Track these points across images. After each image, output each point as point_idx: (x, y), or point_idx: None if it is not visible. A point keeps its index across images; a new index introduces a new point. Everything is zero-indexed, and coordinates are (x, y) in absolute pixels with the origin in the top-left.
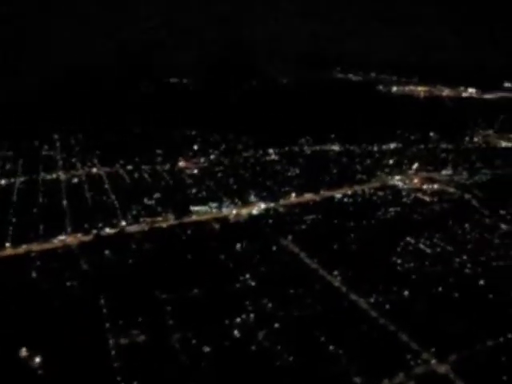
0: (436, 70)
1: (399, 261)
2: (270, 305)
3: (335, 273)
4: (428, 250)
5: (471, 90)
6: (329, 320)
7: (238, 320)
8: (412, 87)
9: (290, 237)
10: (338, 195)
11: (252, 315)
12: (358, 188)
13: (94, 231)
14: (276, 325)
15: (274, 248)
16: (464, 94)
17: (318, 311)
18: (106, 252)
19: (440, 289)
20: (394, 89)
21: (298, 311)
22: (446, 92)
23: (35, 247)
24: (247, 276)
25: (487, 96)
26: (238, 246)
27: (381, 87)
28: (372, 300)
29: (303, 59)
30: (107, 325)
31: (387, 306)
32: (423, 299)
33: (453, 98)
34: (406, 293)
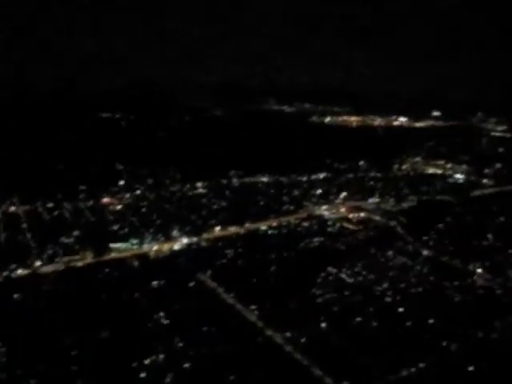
0: (369, 100)
1: (319, 292)
2: (180, 344)
3: (252, 307)
4: (349, 280)
5: (402, 119)
6: (241, 358)
7: (147, 362)
8: (345, 117)
9: (208, 272)
10: (263, 227)
11: (161, 356)
12: (283, 219)
13: (5, 273)
14: (186, 365)
15: (192, 284)
16: (395, 123)
17: (230, 349)
18: (15, 295)
19: (358, 319)
20: (328, 119)
21: (210, 349)
22: (378, 121)
23: None
24: (161, 314)
25: (417, 124)
26: (155, 283)
27: (314, 118)
28: (288, 334)
29: (236, 91)
30: (3, 375)
31: (303, 340)
32: (340, 331)
33: (384, 127)
34: (324, 325)
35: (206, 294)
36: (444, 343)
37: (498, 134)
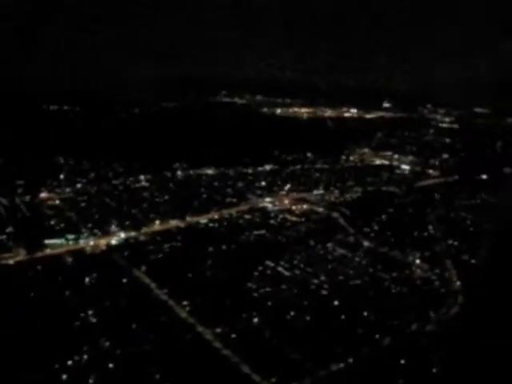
0: (320, 92)
1: (254, 286)
2: (107, 343)
3: (184, 303)
4: (286, 273)
5: (353, 111)
6: (167, 356)
7: (70, 363)
8: (296, 109)
9: (143, 267)
10: (204, 220)
11: (85, 356)
12: (225, 212)
13: None
14: (110, 365)
15: (125, 280)
16: (346, 115)
17: (157, 347)
18: None
19: (292, 313)
20: (278, 111)
21: (136, 348)
22: (329, 113)
23: None
24: (89, 312)
25: (367, 116)
26: (87, 280)
27: (265, 110)
28: (218, 330)
29: (189, 84)
30: None
31: (233, 336)
32: (273, 326)
33: (335, 118)
34: (256, 320)
35: (138, 290)
36: (377, 336)
37: (445, 125)
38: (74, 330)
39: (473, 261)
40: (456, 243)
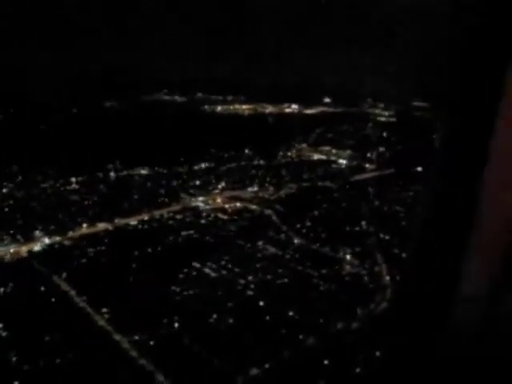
0: (261, 89)
1: (178, 289)
2: (14, 358)
3: (103, 310)
4: (213, 274)
5: (294, 106)
6: (80, 367)
7: None
8: (237, 106)
9: (64, 274)
10: (133, 222)
11: None
12: (156, 213)
13: None
14: (16, 382)
15: (43, 288)
16: (287, 110)
17: (70, 358)
18: None
19: (214, 316)
20: (219, 108)
21: (47, 361)
22: (270, 109)
23: None
24: None
25: (308, 111)
26: (2, 290)
27: (205, 107)
28: (136, 338)
29: (124, 82)
30: None
31: (151, 343)
32: (193, 330)
33: (275, 114)
34: (177, 325)
35: (55, 298)
36: (301, 336)
37: (383, 119)
38: None
39: (403, 254)
40: (388, 237)
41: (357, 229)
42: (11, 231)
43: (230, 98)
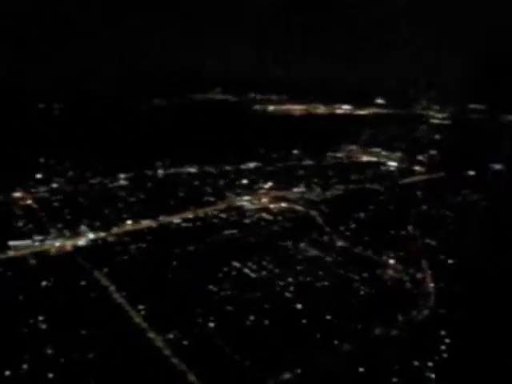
0: (314, 90)
1: (216, 289)
2: (50, 351)
3: (140, 307)
4: (252, 275)
5: (346, 107)
6: (112, 363)
7: (7, 373)
8: (289, 106)
9: (105, 269)
10: (177, 220)
11: (25, 366)
12: (200, 211)
13: None
14: (50, 375)
15: (83, 283)
16: (338, 111)
17: (104, 353)
18: None
19: (251, 317)
20: (271, 108)
21: (81, 354)
22: (322, 109)
23: None
24: (39, 318)
25: (360, 112)
26: (44, 283)
27: (257, 107)
28: (170, 336)
29: (183, 81)
30: None
31: (185, 342)
32: (227, 330)
33: (327, 115)
34: (212, 325)
35: (95, 293)
36: (336, 342)
37: (436, 121)
38: (19, 336)
39: (450, 261)
40: (434, 242)
41: (402, 233)
42: (59, 225)
43: (283, 98)
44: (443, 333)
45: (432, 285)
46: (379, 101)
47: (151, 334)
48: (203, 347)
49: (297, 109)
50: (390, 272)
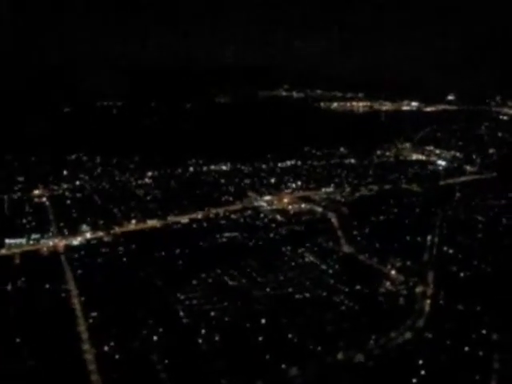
0: (382, 87)
1: (183, 297)
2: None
3: (93, 314)
4: (230, 283)
5: (414, 104)
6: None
7: None
8: (354, 103)
9: (79, 271)
10: (185, 221)
11: None
12: (213, 212)
13: None
14: None
15: (48, 286)
16: (404, 108)
17: (31, 366)
18: None
19: (203, 331)
20: (334, 105)
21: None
22: (387, 106)
23: None
24: None
25: (428, 109)
26: (20, 282)
27: (321, 104)
28: (105, 349)
29: (250, 77)
30: None
31: (116, 357)
32: (169, 345)
33: (391, 112)
34: (155, 338)
35: (53, 298)
36: (283, 365)
37: (506, 118)
38: None
39: (462, 274)
40: (451, 251)
41: (418, 239)
42: (61, 224)
43: (348, 95)
44: (420, 362)
45: (428, 302)
46: (450, 97)
47: (86, 346)
48: (133, 363)
49: (361, 105)
50: (387, 284)
